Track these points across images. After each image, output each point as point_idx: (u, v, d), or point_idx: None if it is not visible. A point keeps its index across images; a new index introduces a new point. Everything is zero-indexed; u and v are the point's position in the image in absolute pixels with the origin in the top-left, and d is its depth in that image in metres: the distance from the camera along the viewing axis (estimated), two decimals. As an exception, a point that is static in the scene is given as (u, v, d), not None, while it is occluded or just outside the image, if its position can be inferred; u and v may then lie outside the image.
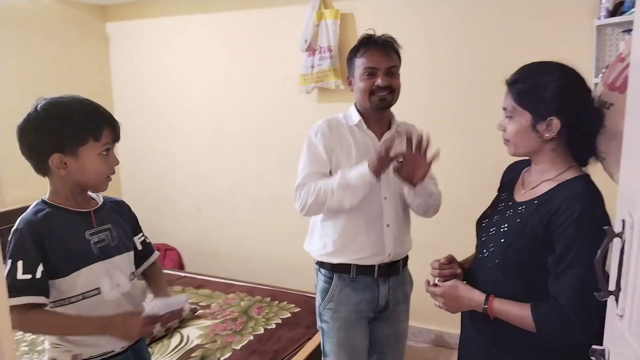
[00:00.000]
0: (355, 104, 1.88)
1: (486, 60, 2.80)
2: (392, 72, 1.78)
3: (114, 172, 1.40)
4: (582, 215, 1.18)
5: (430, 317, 3.12)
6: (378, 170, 1.65)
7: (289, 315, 2.79)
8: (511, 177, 1.49)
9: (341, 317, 1.86)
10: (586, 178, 1.28)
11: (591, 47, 2.46)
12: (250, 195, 3.62)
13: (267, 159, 3.52)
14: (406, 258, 1.95)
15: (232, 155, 3.67)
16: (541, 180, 1.32)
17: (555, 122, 1.24)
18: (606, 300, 0.99)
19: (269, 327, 2.66)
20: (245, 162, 3.62)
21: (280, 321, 2.73)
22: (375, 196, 1.79)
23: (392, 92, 1.77)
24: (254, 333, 2.60)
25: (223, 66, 3.60)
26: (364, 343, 1.90)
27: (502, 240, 1.33)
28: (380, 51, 1.76)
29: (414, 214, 1.92)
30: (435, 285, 1.44)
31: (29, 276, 1.25)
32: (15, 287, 1.23)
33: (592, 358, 1.01)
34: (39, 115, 1.30)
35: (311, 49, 3.14)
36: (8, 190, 3.27)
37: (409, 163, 1.65)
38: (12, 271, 1.25)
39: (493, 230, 1.38)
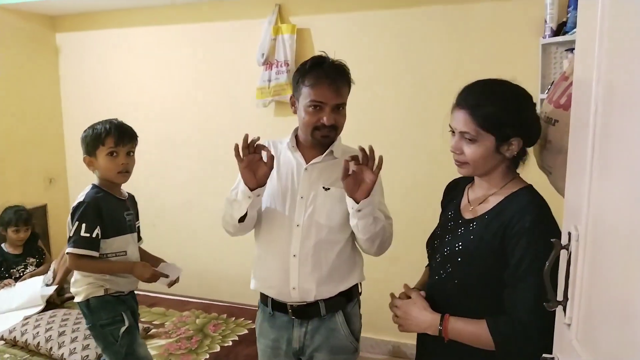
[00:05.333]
0: (297, 127, 1.77)
1: (437, 77, 2.88)
2: (339, 108, 1.64)
3: (123, 170, 1.90)
4: (534, 225, 1.19)
5: (387, 329, 3.12)
6: (247, 178, 1.57)
7: (246, 331, 2.75)
8: (454, 194, 1.49)
9: (261, 348, 1.80)
10: (531, 188, 1.31)
11: (537, 64, 2.57)
12: (207, 210, 3.56)
13: (223, 173, 3.47)
14: (338, 302, 1.71)
15: (187, 169, 3.60)
16: (488, 194, 1.33)
17: (517, 142, 1.26)
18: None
19: (226, 345, 2.61)
20: (201, 176, 3.56)
21: (237, 338, 2.68)
22: (286, 222, 1.66)
23: (335, 129, 1.64)
24: (210, 351, 2.54)
25: (177, 79, 3.55)
26: None
27: (459, 259, 1.31)
28: (329, 86, 1.59)
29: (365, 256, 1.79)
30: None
31: (87, 235, 1.79)
32: (78, 241, 1.79)
33: (542, 367, 1.04)
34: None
35: (268, 63, 3.14)
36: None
37: (354, 177, 1.54)
38: (78, 230, 1.79)
39: (447, 250, 1.36)
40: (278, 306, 1.71)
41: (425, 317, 1.34)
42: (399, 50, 2.98)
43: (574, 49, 1.12)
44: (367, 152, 1.51)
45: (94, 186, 1.91)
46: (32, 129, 3.72)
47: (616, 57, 0.81)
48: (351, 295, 1.76)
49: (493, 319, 1.24)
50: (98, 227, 1.81)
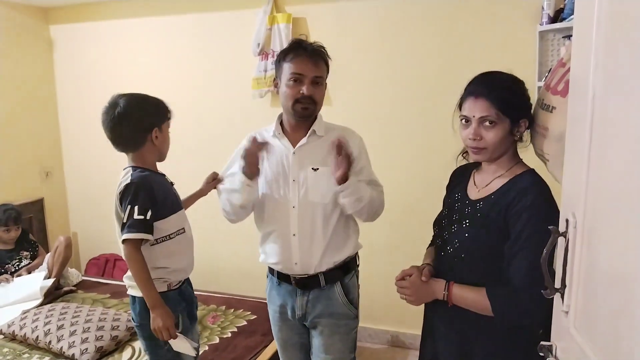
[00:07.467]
0: (280, 114, 1.88)
1: (434, 65, 2.86)
2: (317, 82, 1.76)
3: None
4: (534, 204, 1.28)
5: (386, 318, 3.14)
6: (247, 170, 1.73)
7: (244, 323, 2.76)
8: (461, 179, 1.57)
9: (271, 312, 1.99)
10: (534, 172, 1.38)
11: (534, 52, 2.56)
12: (203, 201, 3.54)
13: (219, 164, 3.47)
14: (336, 274, 1.85)
15: (182, 160, 3.58)
16: (493, 177, 1.41)
17: (524, 123, 1.35)
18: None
19: (225, 336, 2.61)
20: (197, 167, 3.52)
21: (236, 329, 2.69)
22: (283, 204, 1.81)
23: (314, 102, 1.76)
24: (209, 343, 2.55)
25: (172, 70, 3.52)
26: (296, 340, 1.96)
27: (466, 234, 1.40)
28: (309, 59, 1.74)
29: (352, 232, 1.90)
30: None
31: (141, 217, 1.63)
32: (132, 225, 1.62)
33: (540, 354, 1.04)
34: (130, 105, 1.74)
35: (264, 53, 3.12)
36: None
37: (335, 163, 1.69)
38: (131, 213, 1.63)
39: (455, 227, 1.45)
40: (283, 277, 1.89)
41: (433, 285, 1.44)
42: (395, 38, 2.95)
43: (571, 35, 1.11)
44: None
45: (135, 167, 1.75)
46: (27, 123, 3.70)
47: (613, 43, 0.81)
48: (348, 268, 1.90)
49: (492, 288, 1.33)
50: (150, 209, 1.66)
